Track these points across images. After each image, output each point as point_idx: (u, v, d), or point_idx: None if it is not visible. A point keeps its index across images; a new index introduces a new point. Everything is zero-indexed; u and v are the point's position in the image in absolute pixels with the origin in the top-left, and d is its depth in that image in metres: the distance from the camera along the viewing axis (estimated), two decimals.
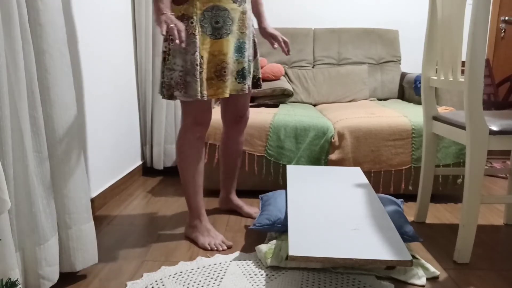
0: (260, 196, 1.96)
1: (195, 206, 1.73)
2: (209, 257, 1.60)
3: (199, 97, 1.54)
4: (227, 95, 1.62)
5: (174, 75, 1.55)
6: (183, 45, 1.44)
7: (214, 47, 1.57)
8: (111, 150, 2.29)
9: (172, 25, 1.41)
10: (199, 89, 1.53)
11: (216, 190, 2.33)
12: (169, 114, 2.71)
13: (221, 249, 1.66)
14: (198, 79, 1.53)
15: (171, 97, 1.58)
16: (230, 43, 1.60)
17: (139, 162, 2.74)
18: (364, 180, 1.91)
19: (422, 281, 1.41)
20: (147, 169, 2.81)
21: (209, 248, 1.66)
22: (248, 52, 1.70)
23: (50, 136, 1.29)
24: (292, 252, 1.31)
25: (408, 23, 3.43)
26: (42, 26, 1.22)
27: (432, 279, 1.44)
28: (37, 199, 1.21)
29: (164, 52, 1.59)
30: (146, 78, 2.65)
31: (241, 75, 1.66)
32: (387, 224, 1.48)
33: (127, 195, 2.35)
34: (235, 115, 1.87)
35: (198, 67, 1.53)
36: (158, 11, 1.47)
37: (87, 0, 1.98)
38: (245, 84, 1.68)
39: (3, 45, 1.07)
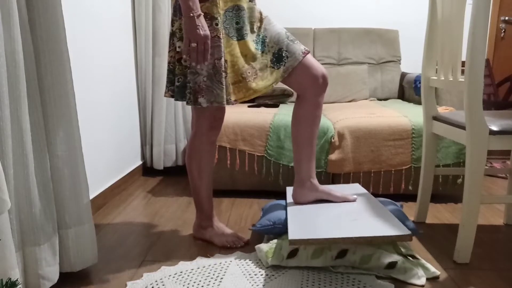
0: (262, 208, 1.93)
1: (207, 208, 1.72)
2: (209, 257, 1.60)
3: (225, 104, 1.48)
4: (258, 94, 1.54)
5: (198, 79, 1.46)
6: (206, 62, 1.41)
7: (238, 48, 1.51)
8: (111, 150, 2.29)
9: (201, 46, 1.37)
10: (224, 96, 1.48)
11: (216, 191, 2.33)
12: (169, 114, 2.71)
13: (239, 245, 1.67)
14: (224, 86, 1.47)
15: (196, 102, 1.48)
16: (250, 44, 1.53)
17: (139, 162, 2.74)
18: (364, 190, 1.88)
19: (422, 281, 1.41)
20: (147, 169, 2.81)
21: (228, 246, 1.67)
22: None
23: (50, 136, 1.29)
24: (292, 236, 1.30)
25: (408, 23, 3.43)
26: (42, 26, 1.22)
27: (432, 279, 1.44)
28: (37, 199, 1.21)
29: (178, 52, 1.50)
30: (146, 78, 2.65)
31: (276, 58, 1.55)
32: (386, 214, 1.49)
33: (127, 195, 2.35)
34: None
35: (224, 73, 1.47)
36: (188, 10, 1.36)
37: (87, 0, 1.98)
38: (283, 66, 1.55)
39: (3, 45, 1.07)
